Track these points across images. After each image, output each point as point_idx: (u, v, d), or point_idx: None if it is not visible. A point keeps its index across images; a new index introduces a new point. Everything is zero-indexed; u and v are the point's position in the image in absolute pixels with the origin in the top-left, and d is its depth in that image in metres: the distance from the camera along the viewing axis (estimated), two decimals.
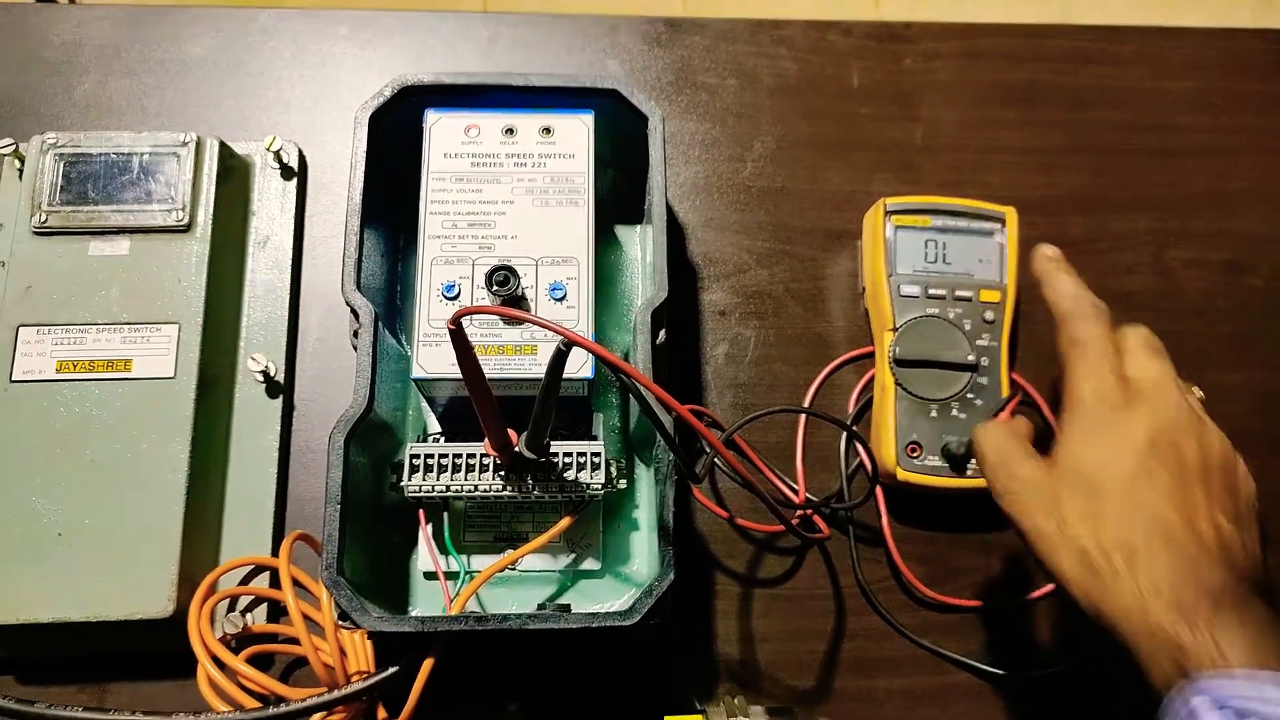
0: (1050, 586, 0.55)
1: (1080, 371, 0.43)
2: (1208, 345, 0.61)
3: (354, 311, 0.49)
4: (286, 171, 0.59)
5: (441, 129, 0.51)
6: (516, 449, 0.47)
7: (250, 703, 0.46)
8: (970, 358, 0.55)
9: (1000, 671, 0.54)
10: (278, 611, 0.53)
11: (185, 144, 0.54)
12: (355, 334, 0.49)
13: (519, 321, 0.47)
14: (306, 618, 0.49)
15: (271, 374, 0.55)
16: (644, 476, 0.55)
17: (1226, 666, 0.35)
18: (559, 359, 0.40)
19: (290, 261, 0.58)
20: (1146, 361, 0.43)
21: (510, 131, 0.51)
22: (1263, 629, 0.36)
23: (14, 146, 0.56)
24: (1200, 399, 0.45)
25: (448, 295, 0.48)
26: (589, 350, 0.38)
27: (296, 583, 0.50)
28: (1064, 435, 0.42)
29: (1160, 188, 0.64)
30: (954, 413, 0.55)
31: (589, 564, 0.53)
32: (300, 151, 0.60)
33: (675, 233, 0.61)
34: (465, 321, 0.39)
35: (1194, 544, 0.38)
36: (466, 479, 0.48)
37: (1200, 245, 0.63)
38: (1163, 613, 0.37)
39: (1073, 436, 0.42)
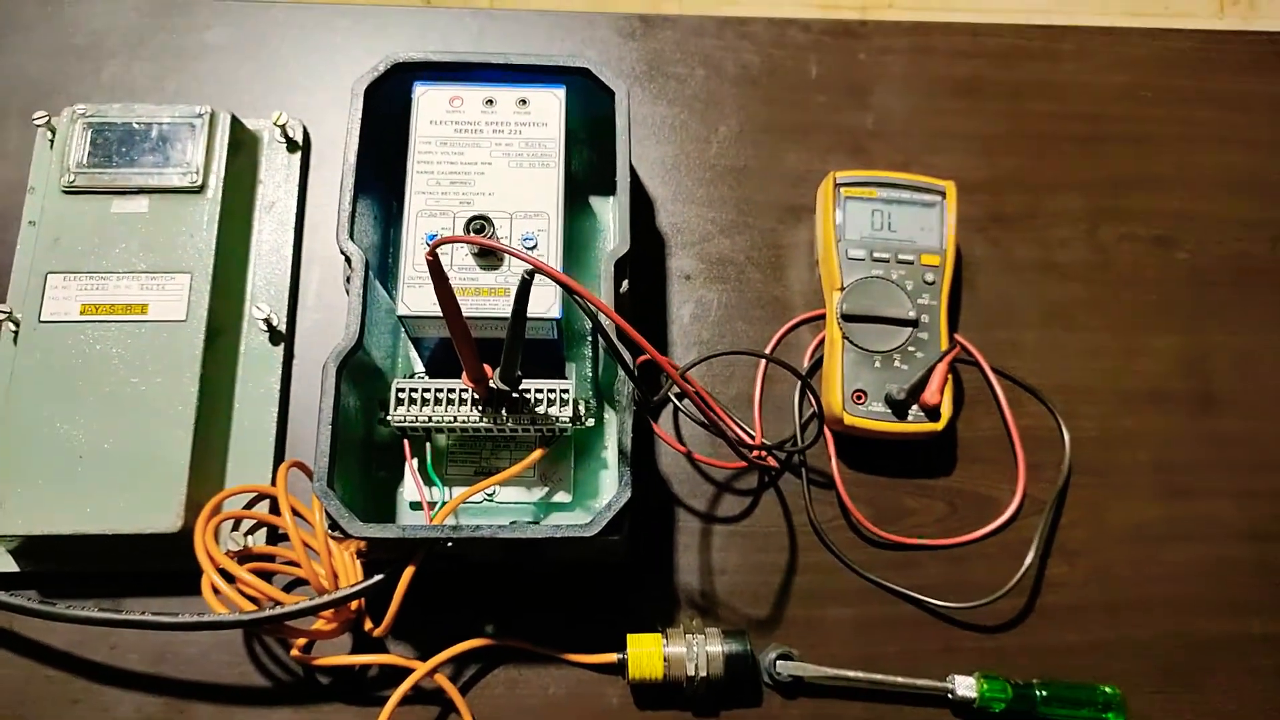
0: (984, 529, 0.60)
1: None
2: (1137, 312, 0.66)
3: (347, 259, 0.54)
4: (292, 145, 0.65)
5: (428, 100, 0.57)
6: (491, 381, 0.52)
7: (248, 606, 0.51)
8: (911, 314, 0.60)
9: (939, 603, 0.58)
10: (275, 539, 0.58)
11: (200, 115, 0.60)
12: (348, 279, 0.55)
13: (492, 254, 0.53)
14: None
15: (274, 323, 0.60)
16: (612, 421, 0.60)
17: None
18: (524, 288, 0.45)
19: (293, 225, 0.64)
20: None
21: (490, 102, 0.57)
22: None
23: (46, 118, 0.62)
24: None
25: (429, 243, 0.53)
26: (549, 276, 0.43)
27: (293, 510, 0.55)
28: None
29: (1092, 170, 0.69)
30: (896, 364, 0.60)
31: (560, 497, 0.57)
32: (305, 128, 0.66)
33: (645, 204, 0.67)
34: (445, 264, 0.45)
35: None
36: (447, 411, 0.54)
37: (1130, 222, 0.68)
38: None
39: None
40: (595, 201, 0.64)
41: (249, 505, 0.57)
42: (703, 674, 0.54)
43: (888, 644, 0.58)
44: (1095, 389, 0.64)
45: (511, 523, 0.53)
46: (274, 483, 0.58)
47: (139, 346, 0.56)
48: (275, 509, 0.57)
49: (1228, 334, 0.66)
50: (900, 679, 0.56)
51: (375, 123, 0.57)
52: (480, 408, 0.54)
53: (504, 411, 0.54)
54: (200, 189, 0.59)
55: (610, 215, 0.64)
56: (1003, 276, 0.66)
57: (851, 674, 0.56)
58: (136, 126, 0.60)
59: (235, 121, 0.62)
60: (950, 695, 0.55)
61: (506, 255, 0.54)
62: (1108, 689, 0.56)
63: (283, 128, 0.64)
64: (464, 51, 0.58)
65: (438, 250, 0.44)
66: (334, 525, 0.50)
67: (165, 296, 0.57)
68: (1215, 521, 0.62)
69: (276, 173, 0.65)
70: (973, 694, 0.55)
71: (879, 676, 0.56)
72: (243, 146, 0.63)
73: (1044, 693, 0.55)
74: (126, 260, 0.57)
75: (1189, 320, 0.66)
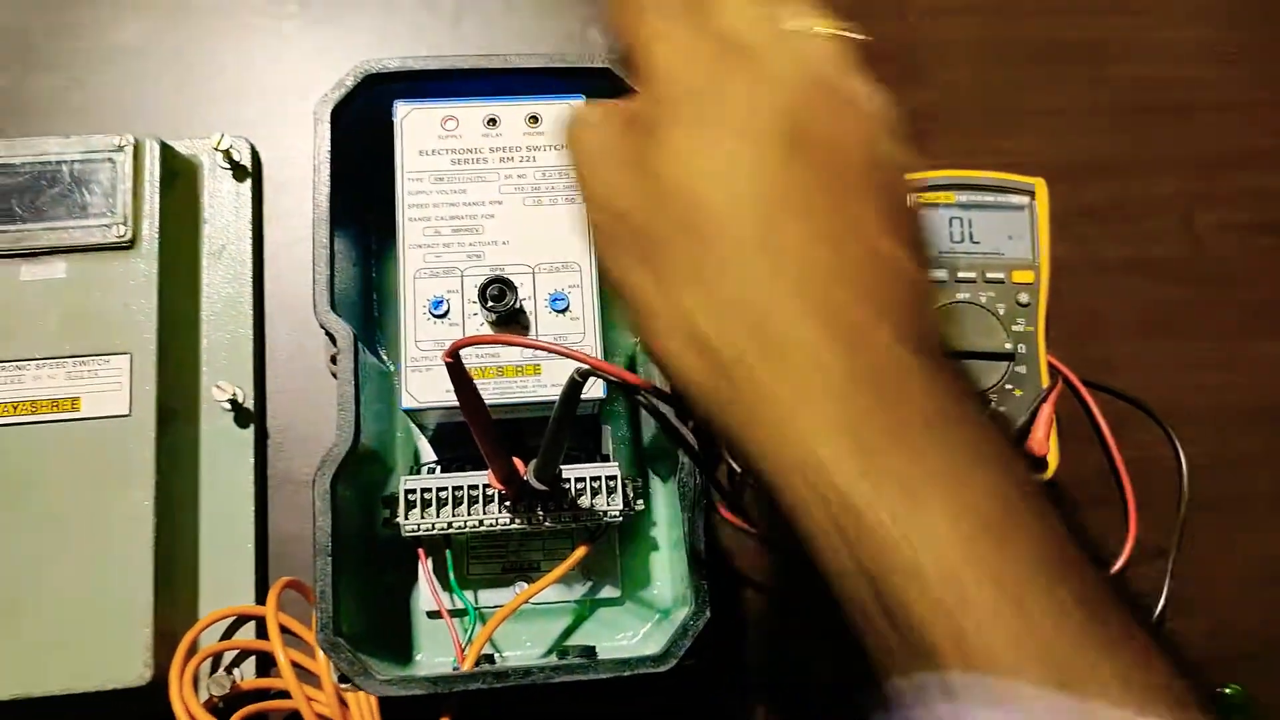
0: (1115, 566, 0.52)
1: (646, 33, 0.27)
2: (1242, 313, 0.58)
3: (330, 336, 0.43)
4: (239, 171, 0.53)
5: (414, 123, 0.45)
6: (524, 478, 0.42)
7: None
8: (1007, 346, 0.51)
9: None
10: (269, 663, 0.48)
11: (121, 148, 0.48)
12: (333, 359, 0.44)
13: (517, 323, 0.42)
14: (300, 668, 0.45)
15: (240, 401, 0.49)
16: (659, 491, 0.50)
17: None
18: (574, 389, 0.35)
19: (250, 272, 0.52)
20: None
21: (493, 122, 0.45)
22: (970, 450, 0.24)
23: None
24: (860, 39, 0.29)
25: (435, 313, 0.43)
26: (611, 375, 0.33)
27: (286, 630, 0.46)
28: (653, 136, 0.26)
29: (1181, 147, 0.60)
30: (993, 406, 0.51)
31: (607, 591, 0.48)
32: (253, 148, 0.54)
33: None
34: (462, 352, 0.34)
35: (865, 307, 0.25)
36: (470, 512, 0.44)
37: (1228, 207, 0.59)
38: (820, 436, 0.24)
39: (667, 139, 0.26)
40: None
41: (230, 630, 0.48)
42: None
43: None
44: (1200, 408, 0.56)
45: (562, 658, 0.44)
46: (259, 599, 0.48)
47: (75, 454, 0.45)
48: (263, 630, 0.48)
49: None
50: None
51: (346, 147, 0.45)
52: (509, 505, 0.44)
53: (539, 509, 0.44)
54: (130, 244, 0.47)
55: None
56: (1091, 280, 0.57)
57: None
58: (42, 168, 0.47)
59: (165, 149, 0.50)
60: None
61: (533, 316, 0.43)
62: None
63: (226, 152, 0.52)
64: (452, 55, 0.46)
65: (459, 352, 0.34)
66: (344, 678, 0.40)
67: (101, 385, 0.46)
68: None
69: (223, 209, 0.52)
70: None
71: None
72: (178, 179, 0.50)
73: None
74: (46, 342, 0.46)
75: None
